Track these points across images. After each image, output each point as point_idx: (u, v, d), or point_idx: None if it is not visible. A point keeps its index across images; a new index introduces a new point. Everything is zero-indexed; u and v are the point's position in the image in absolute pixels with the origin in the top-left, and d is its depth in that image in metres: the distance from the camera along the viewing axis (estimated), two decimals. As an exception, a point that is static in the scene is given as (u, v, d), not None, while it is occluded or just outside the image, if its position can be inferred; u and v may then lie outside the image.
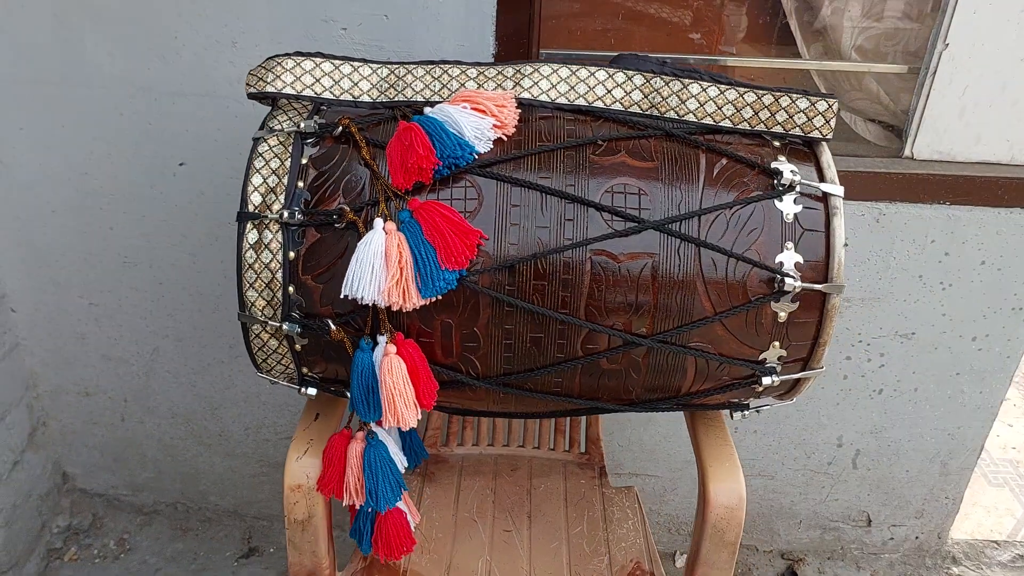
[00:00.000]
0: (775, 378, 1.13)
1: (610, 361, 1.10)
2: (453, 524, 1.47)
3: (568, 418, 1.63)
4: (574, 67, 1.12)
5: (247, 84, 1.12)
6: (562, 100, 1.12)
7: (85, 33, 1.42)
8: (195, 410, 1.84)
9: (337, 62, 1.14)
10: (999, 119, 1.49)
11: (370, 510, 1.24)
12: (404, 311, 1.03)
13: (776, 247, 1.07)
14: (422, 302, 1.02)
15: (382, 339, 1.06)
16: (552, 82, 1.12)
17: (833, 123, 1.13)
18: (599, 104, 1.12)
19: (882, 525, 1.99)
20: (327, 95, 1.13)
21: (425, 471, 1.58)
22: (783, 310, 1.08)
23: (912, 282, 1.65)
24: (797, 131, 1.13)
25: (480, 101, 1.07)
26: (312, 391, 1.19)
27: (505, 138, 1.08)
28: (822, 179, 1.10)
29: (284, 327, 1.08)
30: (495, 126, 1.06)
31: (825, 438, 1.86)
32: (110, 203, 1.58)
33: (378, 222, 1.02)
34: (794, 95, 1.12)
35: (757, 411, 1.27)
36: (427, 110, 1.08)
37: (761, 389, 1.16)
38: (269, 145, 1.09)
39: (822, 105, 1.12)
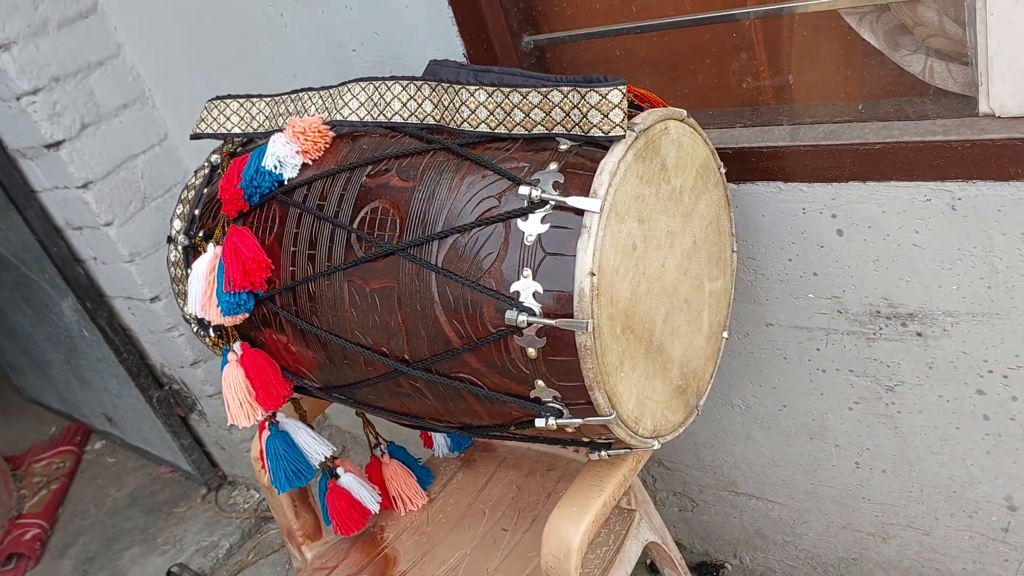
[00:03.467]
0: (554, 420, 0.97)
1: (396, 384, 1.08)
2: (463, 513, 1.53)
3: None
4: (378, 83, 1.11)
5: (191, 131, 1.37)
6: (368, 118, 1.11)
7: (220, 78, 1.82)
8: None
9: (241, 99, 1.31)
10: None
11: (322, 486, 1.43)
12: (255, 319, 1.18)
13: (514, 274, 0.92)
14: (228, 319, 1.15)
15: (236, 346, 1.22)
16: (360, 100, 1.12)
17: (617, 117, 0.91)
18: (398, 119, 1.09)
19: (1125, 635, 1.37)
20: (236, 130, 1.31)
21: (470, 456, 1.66)
22: (529, 346, 0.93)
23: (1046, 293, 1.11)
24: (577, 131, 0.93)
25: (291, 128, 1.14)
26: (260, 381, 1.41)
27: (311, 162, 1.13)
28: (585, 192, 0.90)
29: (195, 331, 1.32)
30: (298, 151, 1.12)
31: (985, 495, 1.36)
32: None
33: (210, 246, 1.18)
34: (564, 89, 0.93)
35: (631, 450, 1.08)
36: (271, 139, 1.19)
37: (571, 429, 1.00)
38: (195, 178, 1.33)
39: (593, 98, 0.91)
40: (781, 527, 1.68)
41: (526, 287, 0.91)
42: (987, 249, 1.12)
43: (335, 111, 1.14)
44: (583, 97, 0.91)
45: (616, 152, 0.91)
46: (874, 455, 1.44)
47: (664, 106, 1.03)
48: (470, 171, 0.98)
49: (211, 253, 1.17)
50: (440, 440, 1.62)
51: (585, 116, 0.92)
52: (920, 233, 1.16)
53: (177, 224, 1.31)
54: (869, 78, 1.19)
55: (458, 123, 1.02)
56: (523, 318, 0.90)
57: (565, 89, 0.93)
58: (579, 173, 0.92)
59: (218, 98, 1.34)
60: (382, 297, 1.02)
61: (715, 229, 1.13)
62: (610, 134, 0.91)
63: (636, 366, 0.97)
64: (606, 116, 0.90)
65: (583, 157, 0.93)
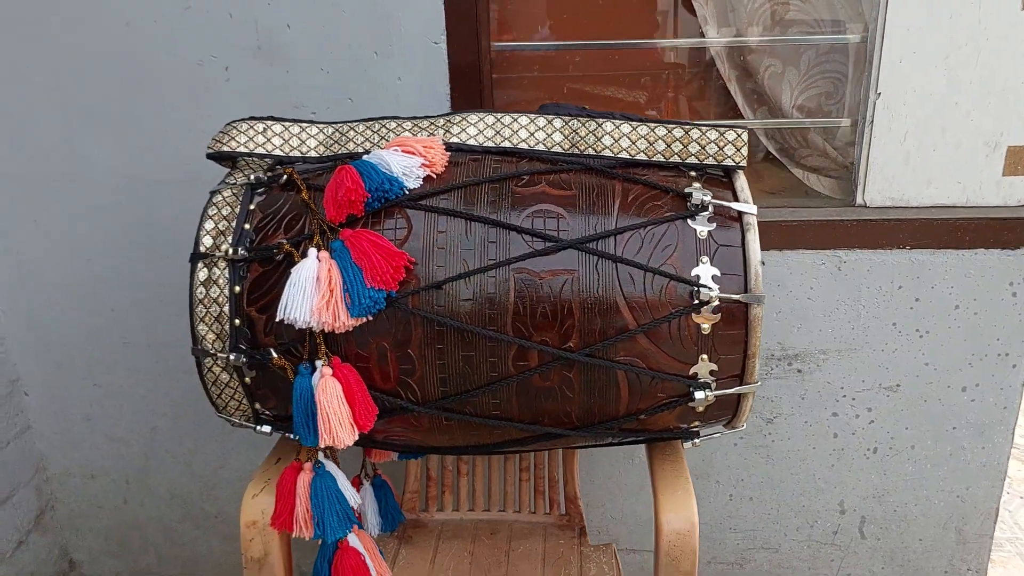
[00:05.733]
0: (708, 393, 1.14)
1: (543, 378, 1.13)
2: (427, 584, 1.46)
3: (547, 480, 1.63)
4: (499, 114, 1.23)
5: (208, 147, 1.26)
6: (489, 143, 1.22)
7: (86, 134, 1.60)
8: (192, 490, 1.89)
9: (287, 123, 1.27)
10: (945, 162, 1.54)
11: (327, 549, 1.27)
12: (339, 334, 1.10)
13: (692, 261, 1.12)
14: (352, 321, 1.08)
15: (319, 363, 1.12)
16: (479, 128, 1.22)
17: (744, 151, 1.20)
18: (523, 146, 1.22)
19: (903, 603, 1.88)
20: (277, 152, 1.25)
21: (403, 534, 1.59)
22: (705, 322, 1.11)
23: (887, 330, 1.64)
24: (711, 160, 1.20)
25: (409, 144, 1.17)
26: (267, 428, 1.25)
27: (434, 176, 1.17)
28: (736, 201, 1.16)
29: (231, 357, 1.15)
30: (423, 164, 1.16)
31: (825, 504, 1.80)
32: (110, 286, 1.71)
33: (311, 251, 1.11)
34: (703, 127, 1.20)
35: (715, 436, 1.29)
36: (364, 156, 1.19)
37: (700, 409, 1.17)
38: (223, 196, 1.21)
39: (731, 135, 1.19)
40: (653, 577, 1.90)
41: (705, 271, 1.11)
42: (856, 299, 1.62)
43: (450, 136, 1.21)
44: (722, 135, 1.19)
45: (742, 176, 1.20)
46: (746, 484, 1.80)
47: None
48: (623, 185, 1.17)
49: (312, 258, 1.10)
50: (372, 520, 1.54)
51: (721, 149, 1.19)
52: (813, 288, 1.62)
53: (209, 240, 1.17)
54: (778, 178, 1.67)
55: (598, 150, 1.20)
56: (713, 293, 1.09)
57: (704, 128, 1.20)
58: (720, 190, 1.17)
59: (252, 119, 1.27)
60: (555, 287, 1.10)
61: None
62: (739, 164, 1.20)
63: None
64: (739, 150, 1.19)
65: (712, 182, 1.19)
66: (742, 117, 1.64)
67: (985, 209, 1.56)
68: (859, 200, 1.59)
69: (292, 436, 1.27)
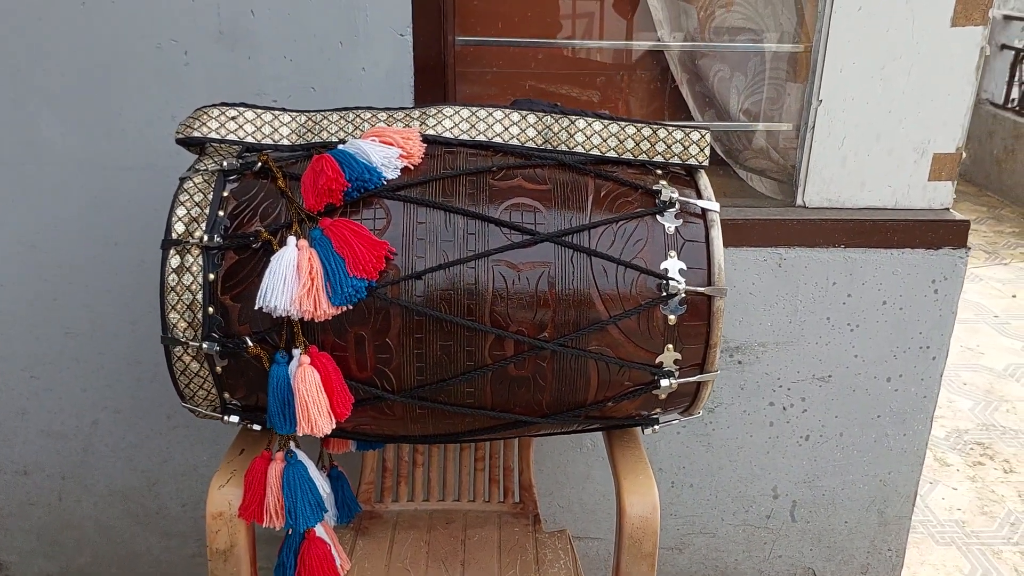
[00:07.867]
0: (672, 381, 1.19)
1: (517, 367, 1.17)
2: (385, 574, 1.47)
3: (501, 469, 1.66)
4: (474, 108, 1.25)
5: (176, 131, 1.24)
6: (464, 136, 1.24)
7: (40, 115, 1.55)
8: (133, 486, 1.84)
9: (259, 111, 1.26)
10: (878, 166, 1.65)
11: (293, 540, 1.27)
12: (318, 323, 1.11)
13: (660, 256, 1.17)
14: (332, 310, 1.09)
15: (296, 351, 1.12)
16: (455, 121, 1.25)
17: (707, 151, 1.26)
18: (498, 140, 1.24)
19: (829, 582, 1.99)
20: (249, 139, 1.24)
21: (359, 525, 1.59)
22: (672, 313, 1.16)
23: (821, 324, 1.74)
24: (676, 159, 1.25)
25: (387, 134, 1.19)
26: (234, 418, 1.24)
27: (412, 167, 1.19)
28: (700, 199, 1.22)
29: (204, 346, 1.14)
30: (401, 155, 1.18)
31: (760, 489, 1.90)
32: (55, 274, 1.65)
33: (291, 239, 1.11)
34: (669, 127, 1.26)
35: (670, 423, 1.34)
36: (340, 145, 1.19)
37: (663, 396, 1.22)
38: (194, 182, 1.19)
39: (695, 135, 1.25)
40: (597, 563, 1.96)
41: (673, 265, 1.16)
42: (794, 295, 1.72)
43: (426, 128, 1.23)
44: (686, 135, 1.25)
45: (704, 175, 1.26)
46: (688, 472, 1.88)
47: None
48: (595, 181, 1.21)
49: (292, 246, 1.10)
50: (328, 512, 1.54)
51: (686, 148, 1.25)
52: (755, 284, 1.71)
53: (181, 227, 1.15)
54: (723, 179, 1.75)
55: (571, 146, 1.24)
56: (682, 286, 1.15)
57: (670, 128, 1.25)
58: (684, 187, 1.23)
59: (223, 104, 1.25)
60: (532, 279, 1.14)
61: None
62: (702, 163, 1.26)
63: (707, 341, 1.27)
64: (702, 150, 1.26)
65: (676, 180, 1.25)
66: (692, 119, 1.71)
67: (912, 212, 1.68)
68: (799, 201, 1.68)
69: (256, 427, 1.28)
